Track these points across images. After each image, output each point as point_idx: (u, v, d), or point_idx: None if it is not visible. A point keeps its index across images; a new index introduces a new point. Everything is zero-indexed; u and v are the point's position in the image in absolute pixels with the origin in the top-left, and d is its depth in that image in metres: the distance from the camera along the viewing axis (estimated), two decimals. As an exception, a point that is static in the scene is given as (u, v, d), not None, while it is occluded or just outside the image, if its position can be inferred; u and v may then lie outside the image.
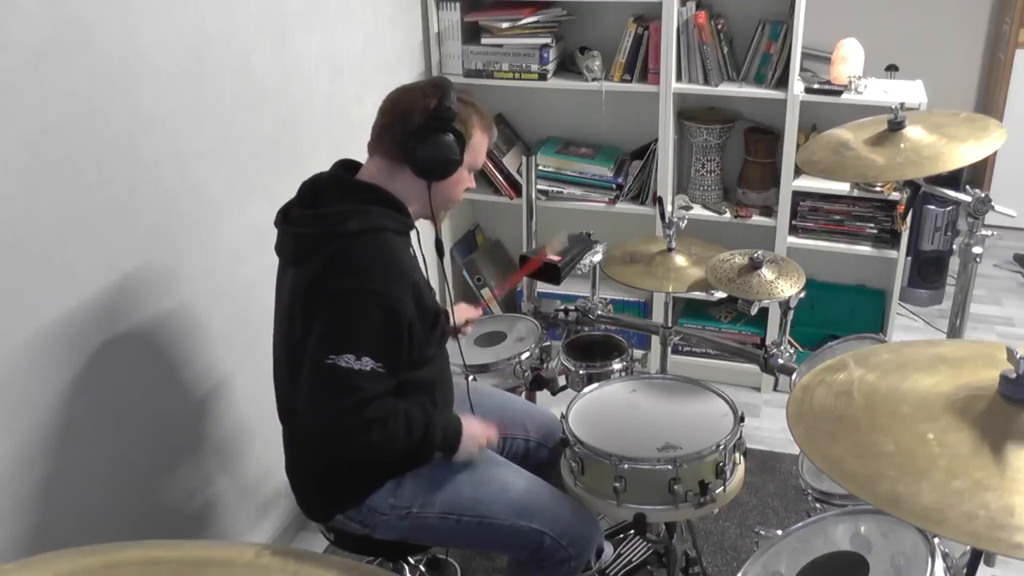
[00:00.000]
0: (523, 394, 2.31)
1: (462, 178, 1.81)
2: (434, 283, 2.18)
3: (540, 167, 3.25)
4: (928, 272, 3.94)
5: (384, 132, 1.75)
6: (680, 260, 2.22)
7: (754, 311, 2.12)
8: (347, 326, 1.62)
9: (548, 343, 2.35)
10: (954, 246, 2.13)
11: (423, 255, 1.82)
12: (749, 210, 3.23)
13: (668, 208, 3.12)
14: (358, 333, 1.62)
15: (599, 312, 2.40)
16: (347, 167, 1.81)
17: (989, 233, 2.05)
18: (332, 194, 1.74)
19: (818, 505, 1.98)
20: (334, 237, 1.67)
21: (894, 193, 3.06)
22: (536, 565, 1.85)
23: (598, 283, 2.37)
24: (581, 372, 2.27)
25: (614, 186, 3.30)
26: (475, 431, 1.83)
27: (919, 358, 1.34)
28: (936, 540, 1.36)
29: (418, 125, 1.70)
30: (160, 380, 2.08)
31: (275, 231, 1.76)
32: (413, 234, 1.79)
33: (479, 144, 1.81)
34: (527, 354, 2.27)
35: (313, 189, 1.77)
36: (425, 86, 1.75)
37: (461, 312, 2.16)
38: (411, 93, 1.75)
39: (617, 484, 1.73)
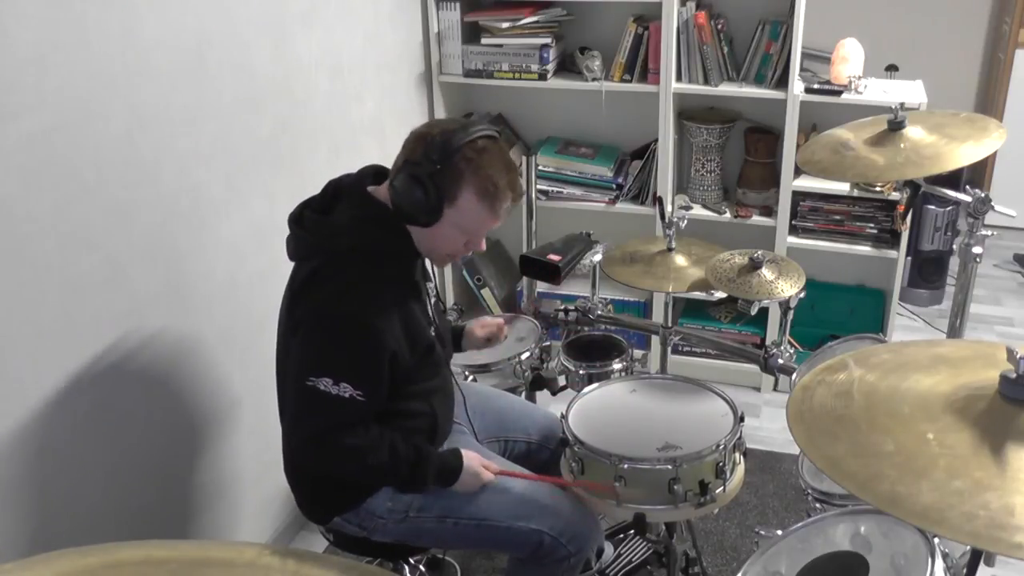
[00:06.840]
0: (523, 394, 2.31)
1: (445, 236, 1.69)
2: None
3: (540, 167, 3.25)
4: (928, 272, 3.94)
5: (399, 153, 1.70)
6: (680, 260, 2.22)
7: (754, 311, 2.12)
8: (326, 348, 1.61)
9: (548, 343, 2.35)
10: (954, 246, 2.14)
11: (434, 276, 1.81)
12: (749, 210, 3.23)
13: (668, 208, 3.12)
14: (336, 357, 1.60)
15: (599, 312, 2.40)
16: (375, 175, 1.76)
17: (989, 233, 2.05)
18: (345, 203, 1.71)
19: (818, 505, 1.98)
20: (324, 250, 1.66)
21: (894, 193, 3.06)
22: (536, 563, 1.85)
23: (598, 283, 2.36)
24: (581, 372, 2.27)
25: (614, 186, 3.30)
26: (476, 468, 1.77)
27: (919, 358, 1.34)
28: (936, 540, 1.36)
29: (405, 162, 1.64)
30: (159, 380, 2.08)
31: (275, 230, 1.76)
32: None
33: (469, 209, 1.65)
34: (527, 354, 2.27)
35: (334, 193, 1.74)
36: (445, 130, 1.63)
37: (484, 327, 2.11)
38: (431, 128, 1.67)
39: (617, 484, 1.73)
